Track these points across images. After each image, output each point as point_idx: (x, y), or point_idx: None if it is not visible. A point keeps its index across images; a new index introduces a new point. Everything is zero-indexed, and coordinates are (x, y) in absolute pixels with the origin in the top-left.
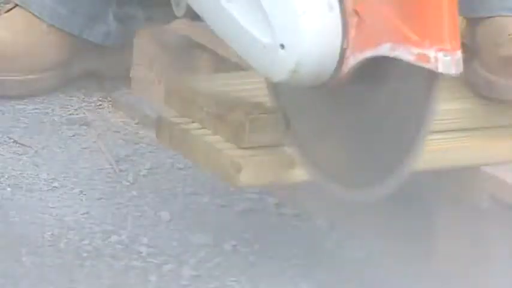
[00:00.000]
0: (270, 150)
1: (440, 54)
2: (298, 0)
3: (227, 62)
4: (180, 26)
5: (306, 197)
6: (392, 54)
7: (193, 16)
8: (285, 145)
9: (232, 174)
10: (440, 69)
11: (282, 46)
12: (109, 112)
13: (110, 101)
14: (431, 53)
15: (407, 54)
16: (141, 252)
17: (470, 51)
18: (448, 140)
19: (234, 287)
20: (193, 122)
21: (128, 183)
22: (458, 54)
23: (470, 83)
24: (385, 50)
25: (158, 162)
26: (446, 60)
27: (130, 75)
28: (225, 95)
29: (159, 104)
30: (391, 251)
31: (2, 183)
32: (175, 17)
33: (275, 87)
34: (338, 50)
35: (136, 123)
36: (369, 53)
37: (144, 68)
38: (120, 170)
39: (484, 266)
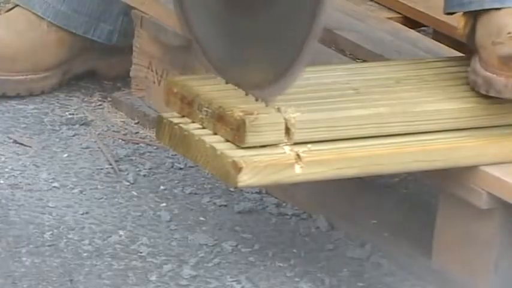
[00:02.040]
0: (270, 150)
1: None
2: None
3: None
4: (179, 26)
5: (306, 197)
6: None
7: None
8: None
9: (232, 174)
10: None
11: None
12: (109, 112)
13: (110, 101)
14: None
15: None
16: (141, 252)
17: (469, 50)
18: (447, 140)
19: (234, 287)
20: (193, 122)
21: (127, 183)
22: None
23: (469, 82)
24: None
25: (158, 162)
26: None
27: (130, 75)
28: (225, 94)
29: (159, 104)
30: (391, 251)
31: (1, 183)
32: None
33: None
34: None
35: (136, 123)
36: None
37: (144, 68)
38: (120, 170)
39: (484, 266)
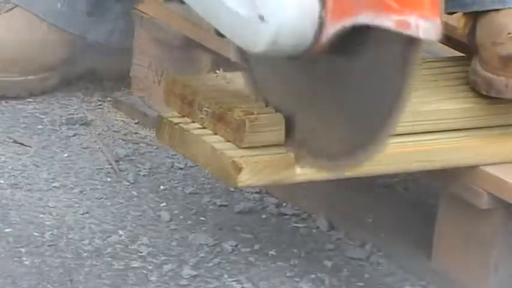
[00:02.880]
0: (270, 150)
1: (421, 21)
2: None
3: (227, 62)
4: (180, 26)
5: (306, 197)
6: (372, 22)
7: None
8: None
9: (232, 174)
10: (421, 35)
11: (261, 18)
12: (109, 112)
13: (110, 101)
14: (412, 20)
15: (387, 21)
16: (141, 252)
17: (469, 50)
18: (448, 140)
19: (234, 287)
20: (193, 122)
21: (127, 183)
22: (438, 20)
23: (470, 82)
24: (364, 18)
25: (158, 162)
26: (427, 27)
27: (130, 75)
28: (225, 94)
29: (159, 104)
30: (391, 251)
31: (2, 183)
32: None
33: (247, 59)
34: (316, 20)
35: (136, 123)
36: (348, 22)
37: (144, 68)
38: (120, 170)
39: (484, 266)
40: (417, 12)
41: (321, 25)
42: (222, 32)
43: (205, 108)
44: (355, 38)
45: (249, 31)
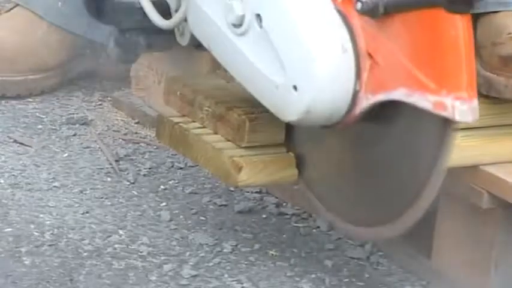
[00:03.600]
0: (270, 150)
1: (457, 103)
2: (312, 42)
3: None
4: None
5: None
6: (407, 100)
7: (198, 44)
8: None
9: (233, 174)
10: (458, 118)
11: (295, 88)
12: (109, 112)
13: (110, 100)
14: (448, 101)
15: (423, 101)
16: (141, 252)
17: None
18: None
19: (234, 287)
20: (193, 122)
21: (128, 183)
22: (475, 102)
23: None
24: (399, 95)
25: (158, 162)
26: (463, 109)
27: (131, 75)
28: (225, 94)
29: (159, 104)
30: (391, 251)
31: (2, 183)
32: (178, 44)
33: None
34: (351, 93)
35: (137, 123)
36: (382, 97)
37: (144, 67)
38: (120, 170)
39: (484, 266)
40: (454, 93)
41: (355, 98)
42: (257, 97)
43: (206, 108)
44: (392, 110)
45: (282, 100)
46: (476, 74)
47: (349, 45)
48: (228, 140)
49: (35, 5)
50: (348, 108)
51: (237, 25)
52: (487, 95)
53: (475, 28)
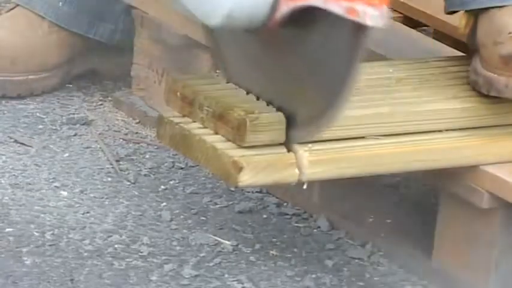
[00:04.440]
0: (271, 150)
1: (368, 9)
2: None
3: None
4: (180, 26)
5: (307, 196)
6: (323, 6)
7: None
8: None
9: (233, 174)
10: (369, 23)
11: None
12: (110, 112)
13: (111, 100)
14: (360, 7)
15: (337, 7)
16: (141, 252)
17: (470, 49)
18: (448, 140)
19: (235, 287)
20: (194, 122)
21: (128, 183)
22: (385, 8)
23: (470, 82)
24: (316, 1)
25: (159, 162)
26: (374, 15)
27: (131, 75)
28: (225, 94)
29: (160, 104)
30: (392, 251)
31: (2, 183)
32: None
33: (212, 32)
34: (270, 1)
35: (137, 123)
36: (301, 3)
37: (145, 67)
38: (121, 170)
39: (485, 266)
40: (365, 0)
41: (275, 3)
42: (183, 5)
43: (206, 108)
44: (309, 16)
45: (206, 5)
46: (477, 73)
47: None
48: (229, 140)
49: (35, 5)
50: (268, 13)
51: None
52: (487, 95)
53: (475, 28)
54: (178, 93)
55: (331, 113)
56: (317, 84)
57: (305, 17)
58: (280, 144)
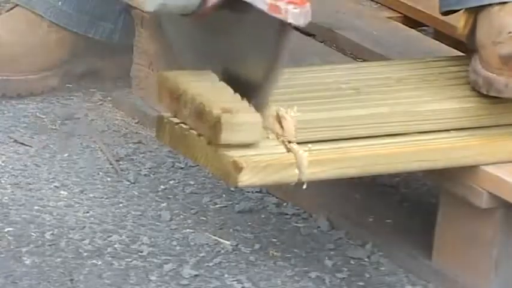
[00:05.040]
0: (271, 150)
1: (290, 7)
2: None
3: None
4: None
5: (307, 196)
6: (249, 0)
7: None
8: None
9: (233, 174)
10: (290, 20)
11: None
12: (109, 111)
13: (111, 100)
14: (282, 5)
15: (261, 3)
16: (141, 252)
17: (470, 49)
18: (448, 140)
19: (235, 287)
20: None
21: (128, 183)
22: (307, 7)
23: (470, 82)
24: None
25: (159, 162)
26: (296, 12)
27: (131, 75)
28: (210, 91)
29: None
30: (392, 251)
31: (2, 183)
32: None
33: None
34: None
35: (137, 123)
36: None
37: (145, 67)
38: (121, 170)
39: (485, 265)
40: None
41: None
42: None
43: (189, 105)
44: (240, 4)
45: None
46: (476, 73)
47: None
48: (208, 141)
49: (35, 5)
50: (200, 1)
51: None
52: (487, 95)
53: (475, 27)
54: (167, 89)
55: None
56: (254, 55)
57: (234, 8)
58: (255, 143)
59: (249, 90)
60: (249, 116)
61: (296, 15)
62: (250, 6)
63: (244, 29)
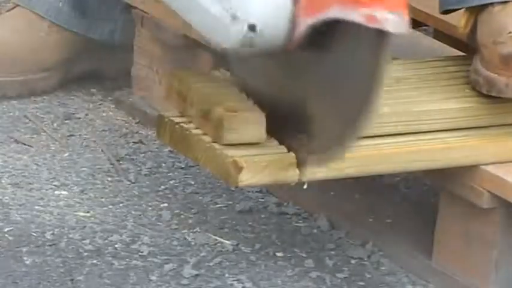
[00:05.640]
0: (271, 150)
1: (388, 15)
2: None
3: (227, 60)
4: (180, 26)
5: (307, 196)
6: (341, 16)
7: None
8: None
9: (233, 174)
10: (390, 29)
11: (234, 16)
12: (110, 111)
13: (111, 100)
14: (379, 14)
15: (356, 15)
16: (141, 252)
17: (470, 49)
18: (448, 139)
19: (235, 286)
20: (190, 122)
21: (128, 183)
22: (405, 14)
23: (470, 81)
24: (334, 12)
25: (159, 162)
26: (395, 21)
27: (131, 75)
28: (216, 92)
29: (160, 103)
30: (392, 251)
31: (3, 183)
32: None
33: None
34: (288, 17)
35: (137, 123)
36: (319, 17)
37: (145, 67)
38: (121, 169)
39: (485, 265)
40: (384, 5)
41: (294, 22)
42: (202, 32)
43: (195, 105)
44: (328, 32)
45: (223, 29)
46: (477, 73)
47: None
48: (213, 140)
49: (35, 5)
50: (287, 34)
51: None
52: (488, 95)
53: (476, 27)
54: (175, 89)
55: (348, 140)
56: (334, 108)
57: (323, 35)
58: (259, 142)
59: (326, 138)
60: (253, 115)
61: (396, 23)
62: (336, 36)
63: (328, 66)
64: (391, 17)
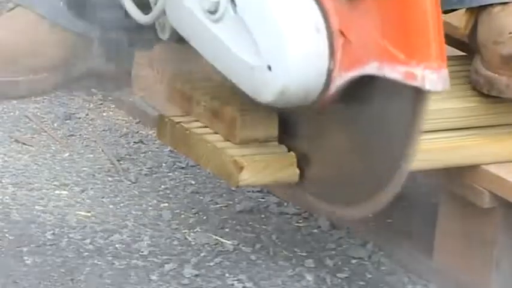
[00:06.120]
0: (271, 150)
1: (427, 72)
2: (285, 23)
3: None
4: None
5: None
6: (379, 73)
7: (178, 39)
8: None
9: (234, 174)
10: (428, 87)
11: (269, 68)
12: (110, 111)
13: (111, 100)
14: (418, 71)
15: (394, 72)
16: (142, 252)
17: (471, 49)
18: (449, 139)
19: (236, 286)
20: (195, 121)
21: (129, 182)
22: (445, 71)
23: (471, 82)
24: (371, 69)
25: (159, 161)
26: (433, 78)
27: (132, 75)
28: (222, 90)
29: (160, 103)
30: (393, 250)
31: (3, 182)
32: (160, 41)
33: None
34: (325, 71)
35: (138, 122)
36: (356, 73)
37: (145, 67)
38: (122, 169)
39: (485, 265)
40: (424, 63)
41: (329, 76)
42: (235, 82)
43: (203, 104)
44: (365, 87)
45: (258, 81)
46: (478, 73)
47: (322, 25)
48: (224, 137)
49: (36, 5)
50: (323, 87)
51: (213, 11)
52: (488, 95)
53: (476, 27)
54: (178, 90)
55: (381, 196)
56: (367, 164)
57: (359, 90)
58: (274, 140)
59: (358, 194)
60: (264, 113)
61: (434, 81)
62: (372, 92)
63: (364, 122)
64: (430, 75)
